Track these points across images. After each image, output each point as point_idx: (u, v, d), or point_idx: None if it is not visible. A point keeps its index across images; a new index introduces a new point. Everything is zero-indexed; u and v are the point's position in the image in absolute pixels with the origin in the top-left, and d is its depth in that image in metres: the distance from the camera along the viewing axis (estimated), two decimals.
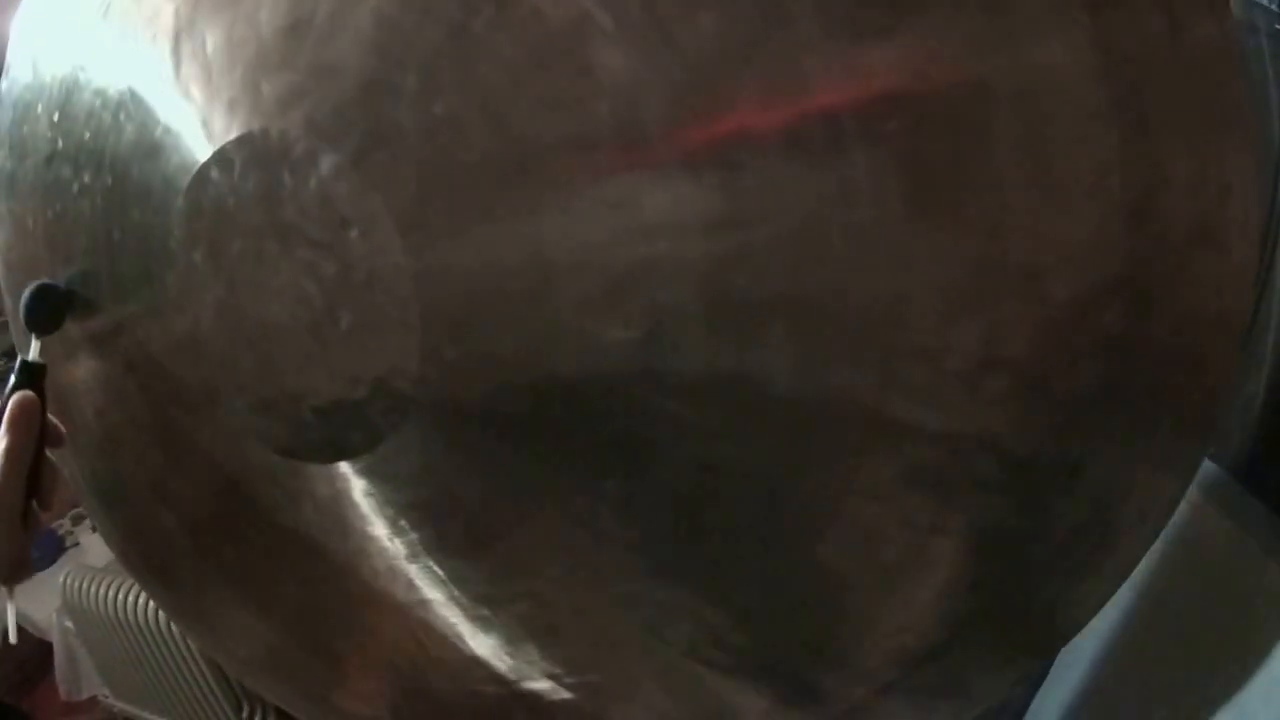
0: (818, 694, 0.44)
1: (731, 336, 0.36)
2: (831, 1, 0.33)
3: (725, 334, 0.36)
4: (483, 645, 0.49)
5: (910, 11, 0.32)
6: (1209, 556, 0.54)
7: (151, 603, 1.50)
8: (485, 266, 0.38)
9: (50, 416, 0.51)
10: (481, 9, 0.36)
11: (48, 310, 0.50)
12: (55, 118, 0.50)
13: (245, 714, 1.60)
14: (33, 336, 0.50)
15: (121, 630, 1.59)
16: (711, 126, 0.35)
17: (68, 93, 0.49)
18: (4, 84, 0.54)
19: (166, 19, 0.44)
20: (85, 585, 1.60)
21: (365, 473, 0.45)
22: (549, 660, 0.48)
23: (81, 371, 0.53)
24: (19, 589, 0.54)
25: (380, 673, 0.54)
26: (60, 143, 0.49)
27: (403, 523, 0.46)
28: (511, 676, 0.49)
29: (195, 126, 0.43)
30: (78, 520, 2.07)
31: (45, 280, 0.50)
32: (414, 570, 0.47)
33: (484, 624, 0.48)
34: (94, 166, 0.48)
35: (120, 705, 1.89)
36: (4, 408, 0.50)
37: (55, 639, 1.88)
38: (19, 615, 0.61)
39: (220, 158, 0.42)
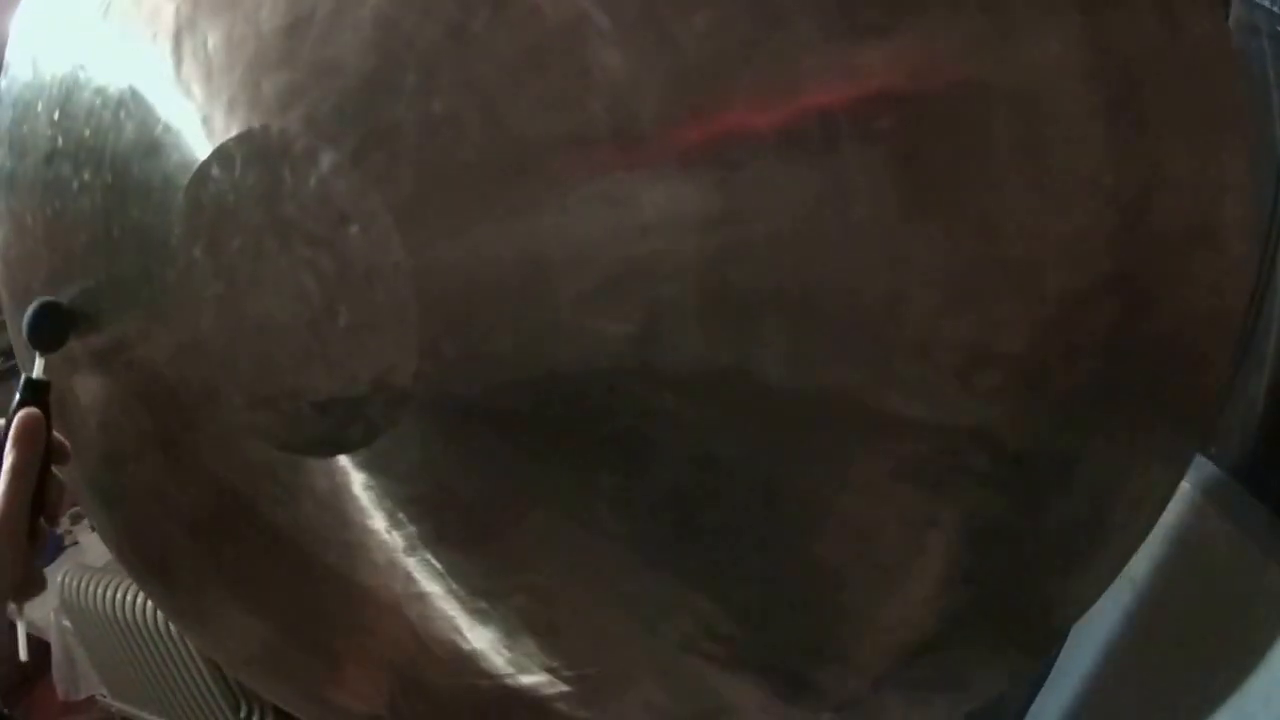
0: (814, 688, 0.44)
1: (728, 332, 0.36)
2: (829, 1, 0.33)
3: (721, 330, 0.36)
4: (480, 639, 0.49)
5: (908, 11, 0.32)
6: (1209, 558, 0.54)
7: (150, 602, 1.50)
8: (483, 263, 0.38)
9: (55, 434, 0.51)
10: (480, 9, 0.37)
11: (51, 328, 0.50)
12: (55, 116, 0.50)
13: (243, 713, 1.60)
14: (37, 354, 0.50)
15: (120, 630, 1.59)
16: (708, 125, 0.35)
17: (68, 91, 0.49)
18: (4, 82, 0.54)
19: (167, 18, 0.44)
20: (83, 585, 1.60)
21: (365, 466, 0.45)
22: (546, 654, 0.48)
23: (82, 381, 0.53)
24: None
25: (378, 670, 0.54)
26: (60, 141, 0.49)
27: (401, 516, 0.46)
28: (509, 670, 0.49)
29: (195, 124, 0.43)
30: (76, 519, 2.06)
31: (49, 298, 0.50)
32: (412, 563, 0.47)
33: (482, 617, 0.48)
34: (94, 164, 0.48)
35: (118, 705, 1.89)
36: (9, 425, 0.50)
37: (53, 638, 1.87)
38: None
39: (220, 155, 0.42)
